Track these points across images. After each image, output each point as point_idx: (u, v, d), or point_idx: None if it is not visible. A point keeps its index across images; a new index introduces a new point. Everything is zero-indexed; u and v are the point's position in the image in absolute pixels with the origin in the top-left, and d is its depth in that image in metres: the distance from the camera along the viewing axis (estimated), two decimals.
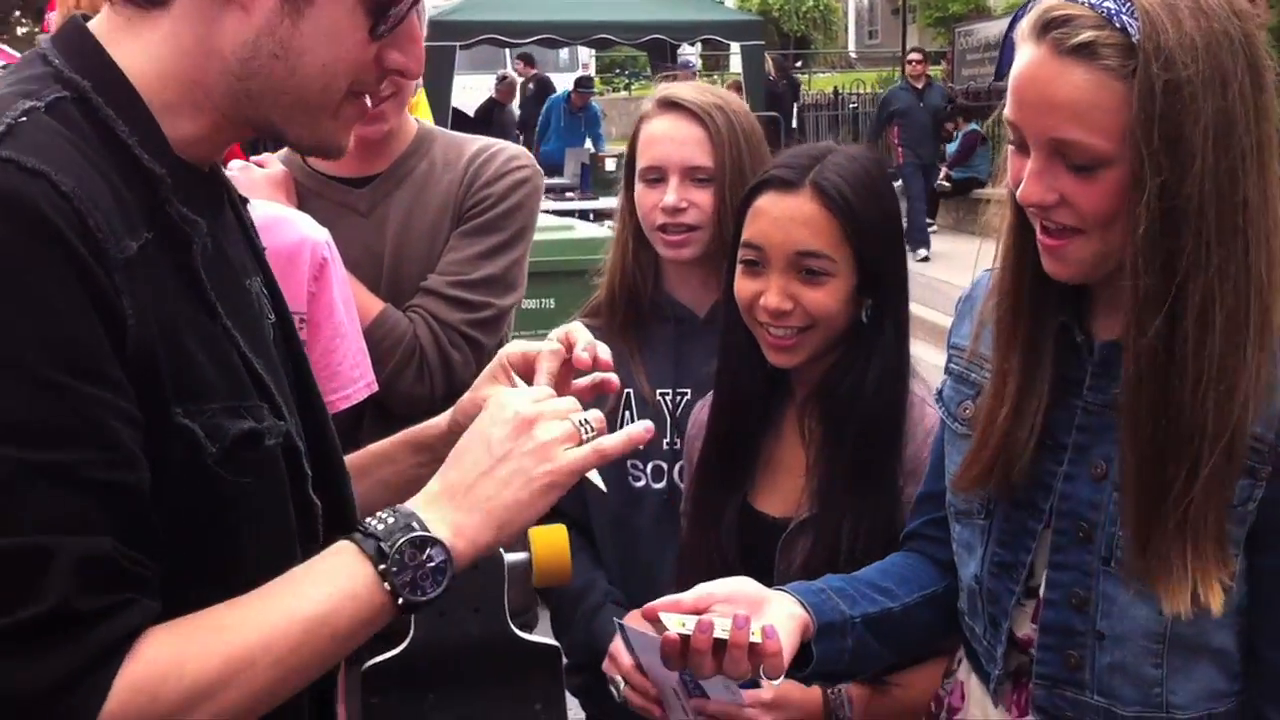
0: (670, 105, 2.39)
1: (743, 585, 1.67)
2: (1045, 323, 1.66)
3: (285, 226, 2.13)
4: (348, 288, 2.25)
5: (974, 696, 1.85)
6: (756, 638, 1.56)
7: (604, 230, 6.99)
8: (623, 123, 30.80)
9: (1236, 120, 1.46)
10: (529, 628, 2.48)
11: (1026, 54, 1.52)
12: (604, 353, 1.58)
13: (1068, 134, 1.49)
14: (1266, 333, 1.52)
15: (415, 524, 1.24)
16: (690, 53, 19.79)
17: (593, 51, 28.90)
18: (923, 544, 1.92)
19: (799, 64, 33.76)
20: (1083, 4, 1.49)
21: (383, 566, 1.22)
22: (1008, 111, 1.56)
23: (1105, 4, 1.48)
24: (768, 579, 1.85)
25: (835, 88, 24.24)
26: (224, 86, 1.25)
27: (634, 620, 1.80)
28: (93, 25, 1.27)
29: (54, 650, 1.05)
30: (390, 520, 1.25)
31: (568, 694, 2.14)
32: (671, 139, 2.37)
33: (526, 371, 1.58)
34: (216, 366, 1.22)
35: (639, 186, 2.40)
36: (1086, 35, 1.46)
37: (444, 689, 1.99)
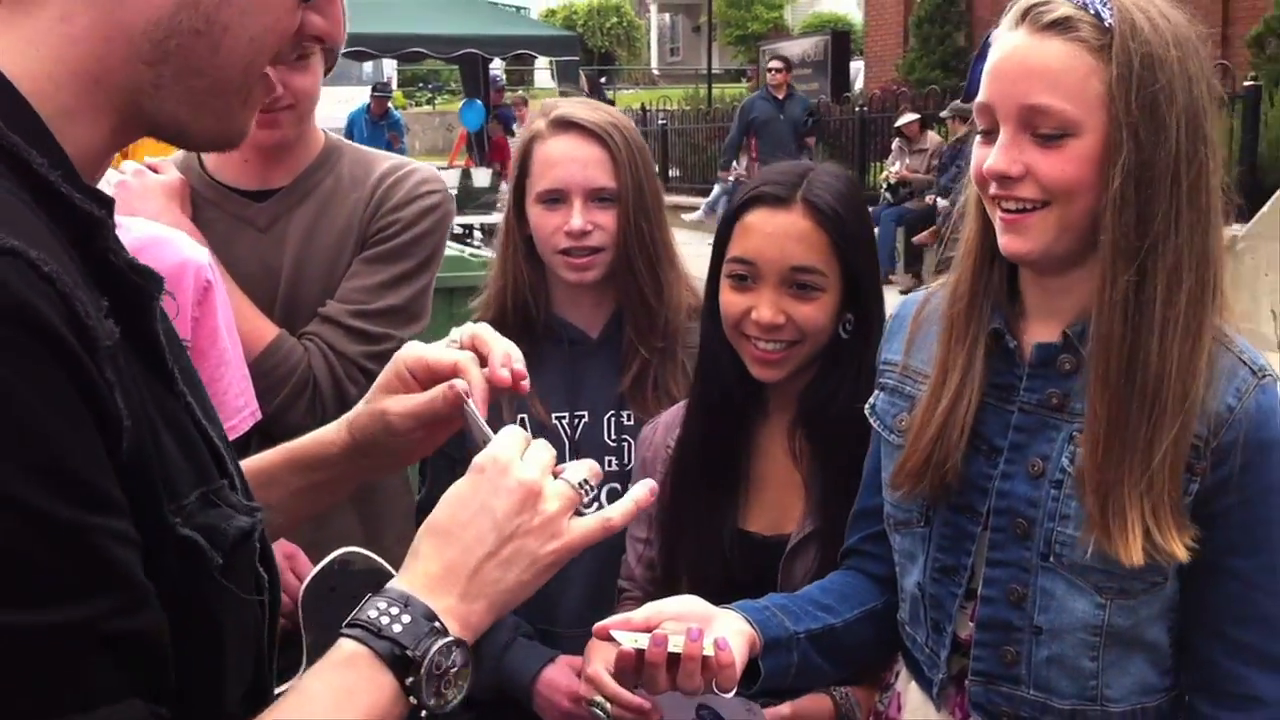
0: (567, 125, 2.32)
1: (691, 603, 1.68)
2: (981, 329, 1.72)
3: (165, 248, 1.96)
4: (230, 311, 2.10)
5: (913, 703, 1.89)
6: (709, 651, 1.57)
7: (455, 248, 6.80)
8: (426, 136, 30.59)
9: (1203, 116, 1.57)
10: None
11: (1003, 41, 1.62)
12: (520, 362, 1.45)
13: (1041, 99, 1.57)
14: (1215, 311, 1.61)
15: (438, 624, 1.10)
16: (497, 67, 19.71)
17: (395, 65, 28.56)
18: (860, 560, 1.95)
19: (604, 80, 34.01)
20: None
21: (410, 680, 1.07)
22: (980, 97, 1.64)
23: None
24: None
25: (643, 104, 24.49)
26: (129, 78, 1.01)
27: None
28: None
29: None
30: (406, 620, 1.09)
31: None
32: (573, 160, 2.30)
33: (428, 379, 1.41)
34: (181, 447, 1.02)
35: (537, 209, 2.32)
36: (1065, 10, 1.57)
37: None
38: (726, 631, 1.65)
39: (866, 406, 1.91)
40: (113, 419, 0.91)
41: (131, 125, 1.05)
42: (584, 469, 1.26)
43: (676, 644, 1.57)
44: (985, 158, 1.62)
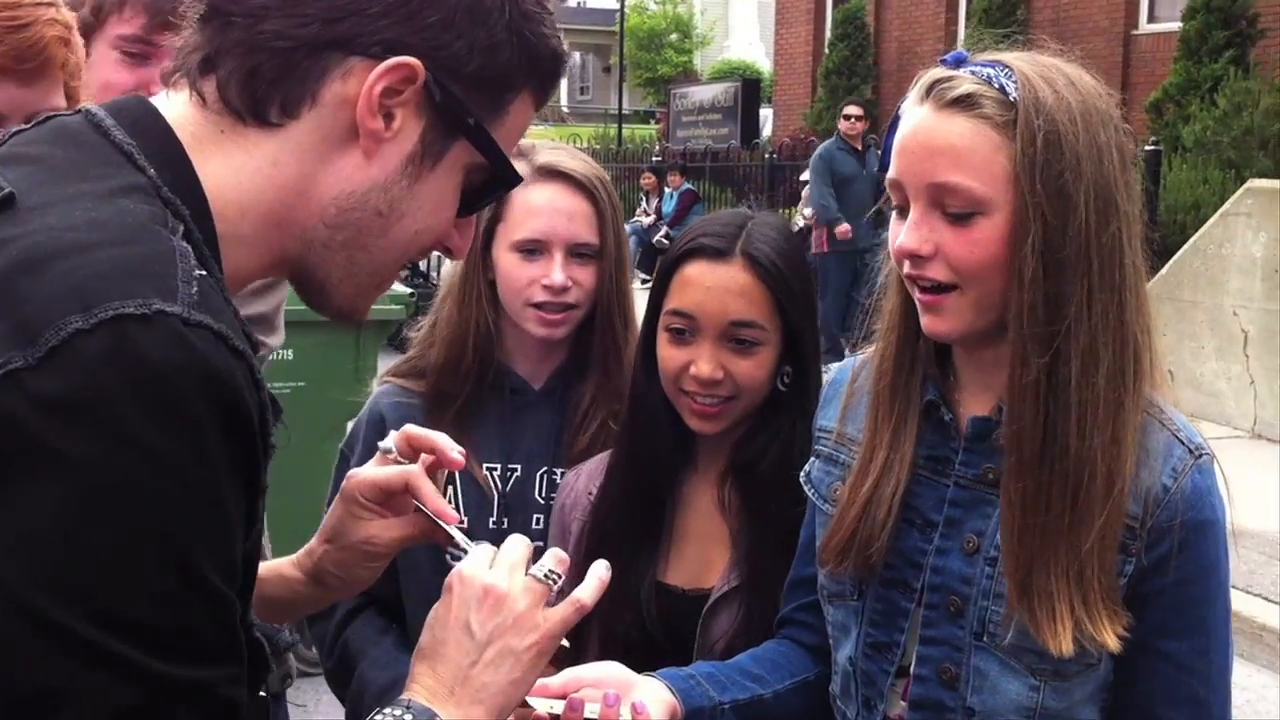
0: (554, 174, 2.18)
1: (611, 669, 1.67)
2: (913, 402, 1.70)
3: None
4: None
5: None
6: (626, 716, 1.58)
7: None
8: None
9: (1114, 189, 1.55)
10: (284, 683, 2.35)
11: (909, 116, 1.60)
12: (455, 450, 1.50)
13: (947, 177, 1.54)
14: (1139, 395, 1.58)
15: None
16: None
17: None
18: (795, 630, 1.91)
19: None
20: (964, 73, 1.58)
21: None
22: (891, 173, 1.62)
23: (985, 70, 1.57)
24: (685, 655, 1.87)
25: (553, 140, 24.45)
26: (306, 231, 1.13)
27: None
28: (174, 122, 1.10)
29: None
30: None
31: None
32: (558, 211, 2.17)
33: (383, 499, 1.47)
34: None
35: (510, 257, 2.19)
36: (969, 88, 1.55)
37: None
38: (646, 698, 1.64)
39: (802, 474, 1.87)
40: (255, 514, 1.02)
41: (284, 267, 1.17)
42: (551, 560, 1.34)
43: (593, 710, 1.56)
44: (899, 234, 1.60)
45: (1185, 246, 9.72)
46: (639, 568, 2.04)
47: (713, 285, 1.96)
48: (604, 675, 1.64)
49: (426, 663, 1.26)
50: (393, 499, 1.47)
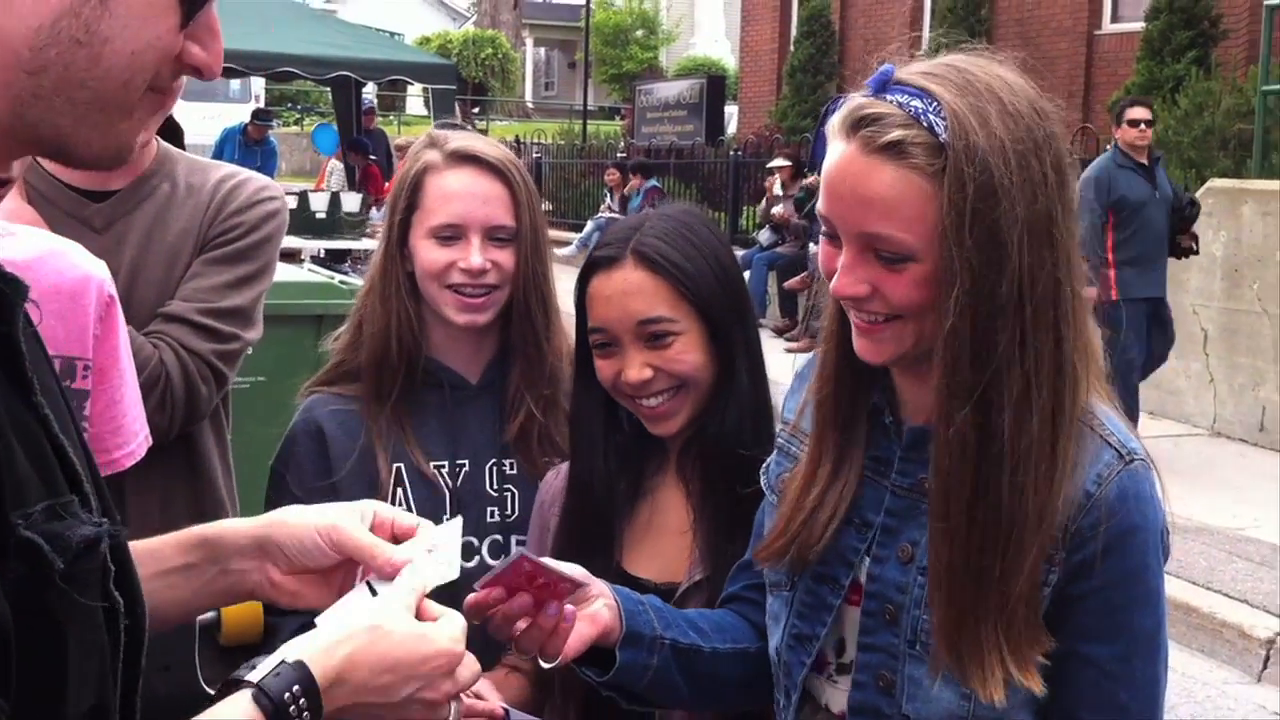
0: (466, 159, 2.21)
1: (575, 570, 1.71)
2: (859, 406, 1.69)
3: (63, 260, 1.85)
4: (125, 328, 2.00)
5: None
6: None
7: (324, 274, 6.56)
8: (294, 159, 30.08)
9: (1050, 220, 1.50)
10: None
11: (838, 150, 1.55)
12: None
13: (878, 229, 1.51)
14: (1075, 421, 1.55)
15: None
16: (369, 92, 19.45)
17: (264, 83, 28.03)
18: (742, 606, 1.91)
19: (477, 110, 33.88)
20: (890, 102, 1.52)
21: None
22: (820, 205, 1.60)
23: (913, 104, 1.51)
24: None
25: (517, 136, 24.43)
26: (11, 88, 1.01)
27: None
28: None
29: None
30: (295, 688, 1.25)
31: None
32: (473, 195, 2.19)
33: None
34: (32, 458, 1.03)
35: (426, 244, 2.19)
36: (895, 134, 1.49)
37: None
38: (594, 605, 1.70)
39: (763, 467, 1.87)
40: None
41: (12, 140, 1.04)
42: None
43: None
44: (832, 261, 1.58)
45: None
46: (603, 561, 2.03)
47: (611, 293, 1.98)
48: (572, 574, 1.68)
49: (352, 657, 1.31)
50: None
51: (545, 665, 1.66)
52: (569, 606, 1.64)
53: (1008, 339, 1.48)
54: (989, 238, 1.46)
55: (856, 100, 1.56)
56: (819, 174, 1.61)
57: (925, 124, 1.49)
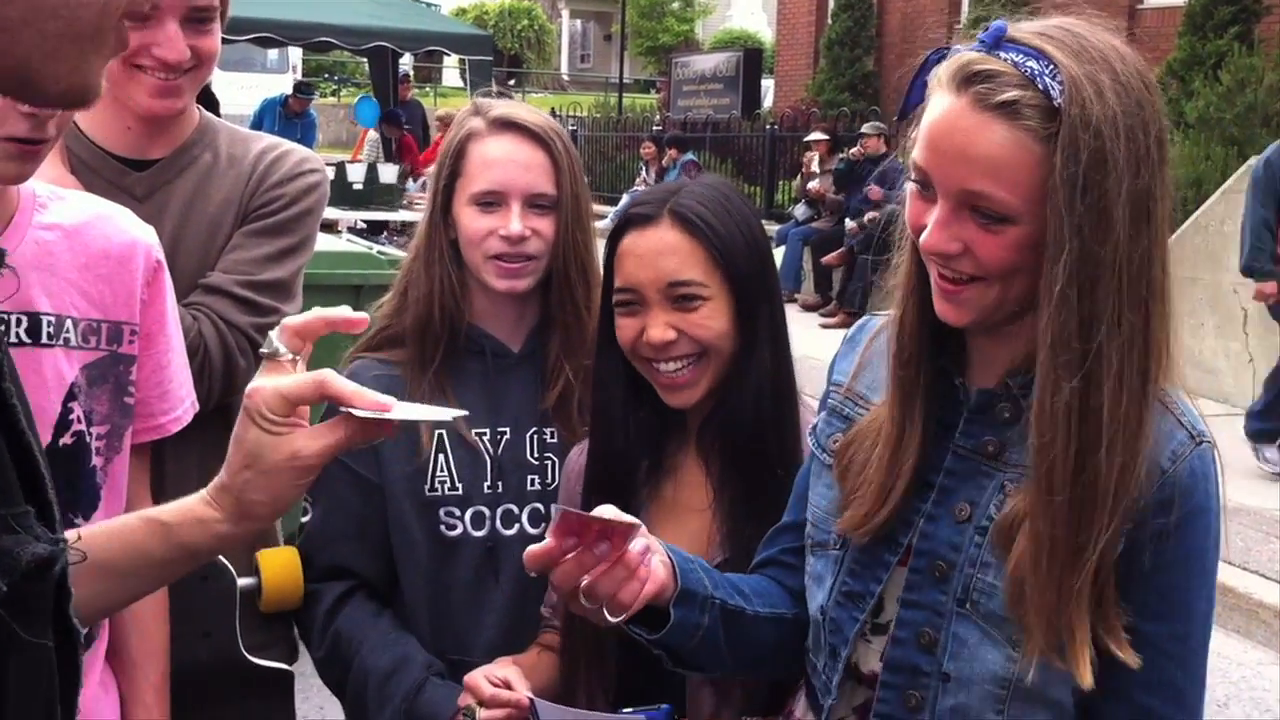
0: (508, 125, 2.22)
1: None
2: (933, 368, 1.67)
3: (111, 224, 1.83)
4: (173, 294, 1.99)
5: None
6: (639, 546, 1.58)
7: (362, 244, 6.58)
8: (330, 129, 30.11)
9: (1149, 196, 1.48)
10: (289, 660, 2.37)
11: (944, 103, 1.52)
12: (336, 314, 1.40)
13: (981, 187, 1.49)
14: (1155, 399, 1.54)
15: None
16: (406, 63, 19.44)
17: (301, 54, 28.05)
18: (777, 570, 1.89)
19: (512, 82, 33.83)
20: (1005, 60, 1.49)
21: None
22: (918, 156, 1.56)
23: (1028, 64, 1.48)
24: None
25: (553, 108, 24.40)
26: None
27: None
28: None
29: None
30: None
31: None
32: (514, 162, 2.19)
33: (289, 412, 1.33)
34: None
35: (469, 211, 2.21)
36: (1010, 94, 1.47)
37: (177, 712, 1.93)
38: (652, 561, 1.64)
39: (809, 428, 1.86)
40: None
41: None
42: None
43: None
44: (921, 214, 1.55)
45: (1186, 223, 9.69)
46: None
47: (644, 251, 1.97)
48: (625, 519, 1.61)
49: None
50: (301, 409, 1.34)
51: (610, 619, 1.59)
52: (644, 551, 1.59)
53: (1109, 311, 1.47)
54: (1098, 207, 1.45)
55: (968, 54, 1.52)
56: (911, 122, 1.59)
57: (1041, 86, 1.46)
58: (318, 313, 1.38)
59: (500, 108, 2.25)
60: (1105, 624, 1.52)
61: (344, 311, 1.38)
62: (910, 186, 1.59)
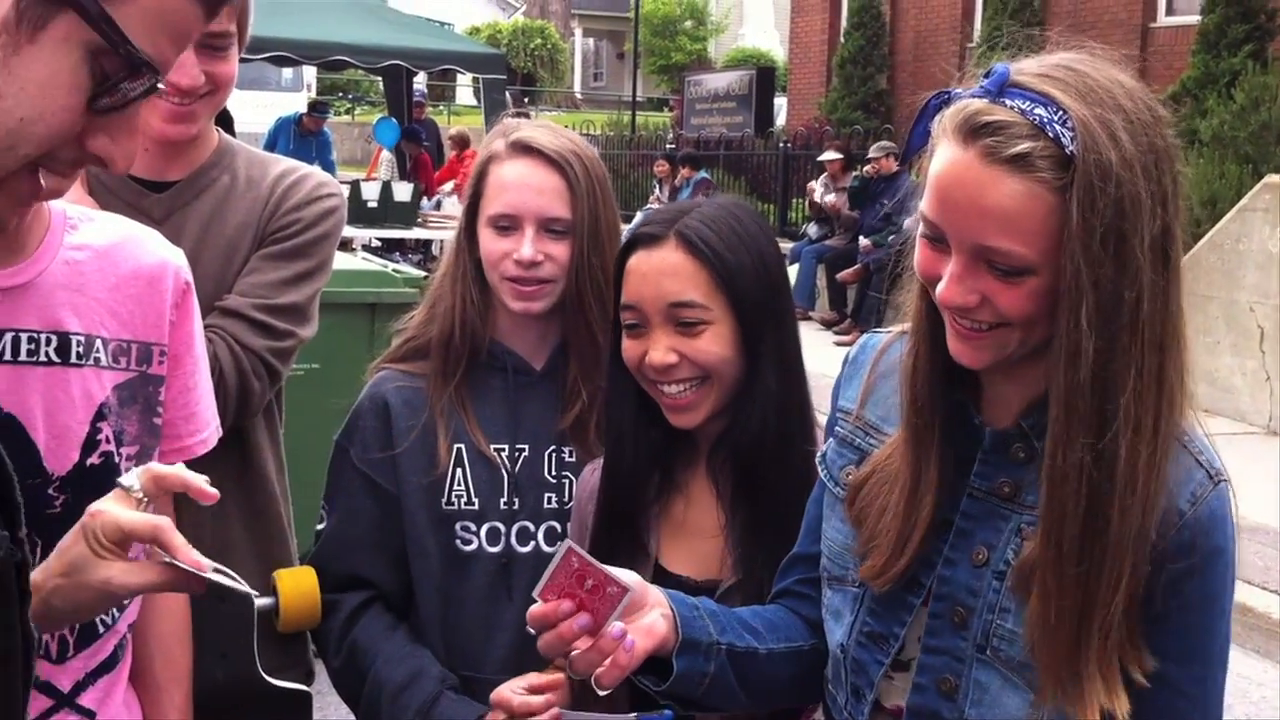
0: (525, 150, 2.22)
1: (635, 577, 1.67)
2: (948, 406, 1.64)
3: (141, 246, 1.84)
4: (199, 317, 1.99)
5: None
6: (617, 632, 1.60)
7: (378, 263, 6.58)
8: (345, 147, 30.22)
9: (1167, 235, 1.45)
10: (306, 682, 2.37)
11: (952, 155, 1.47)
12: (199, 479, 1.49)
13: (996, 242, 1.45)
14: (1172, 442, 1.51)
15: None
16: (420, 81, 19.51)
17: (316, 72, 28.17)
18: (794, 601, 1.88)
19: (526, 100, 33.92)
20: (1012, 109, 1.45)
21: None
22: (927, 208, 1.52)
23: (1036, 111, 1.43)
24: None
25: (566, 127, 24.43)
26: None
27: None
28: None
29: None
30: None
31: None
32: (528, 186, 2.20)
33: (123, 543, 1.41)
34: None
35: (487, 232, 2.23)
36: (1023, 146, 1.42)
37: None
38: (651, 615, 1.66)
39: (818, 455, 1.83)
40: None
41: None
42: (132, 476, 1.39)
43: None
44: (933, 264, 1.52)
45: (1201, 242, 9.66)
46: (638, 563, 2.02)
47: (648, 271, 1.97)
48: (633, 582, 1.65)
49: None
50: (163, 581, 1.42)
51: (600, 691, 1.62)
52: (629, 636, 1.61)
53: (1124, 358, 1.44)
54: (1118, 253, 1.41)
55: (973, 104, 1.47)
56: (910, 167, 1.60)
57: (1051, 135, 1.42)
58: (179, 471, 1.47)
59: (523, 130, 2.25)
60: (1109, 677, 1.50)
61: (202, 482, 1.47)
62: (918, 233, 1.56)
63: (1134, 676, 1.50)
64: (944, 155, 1.48)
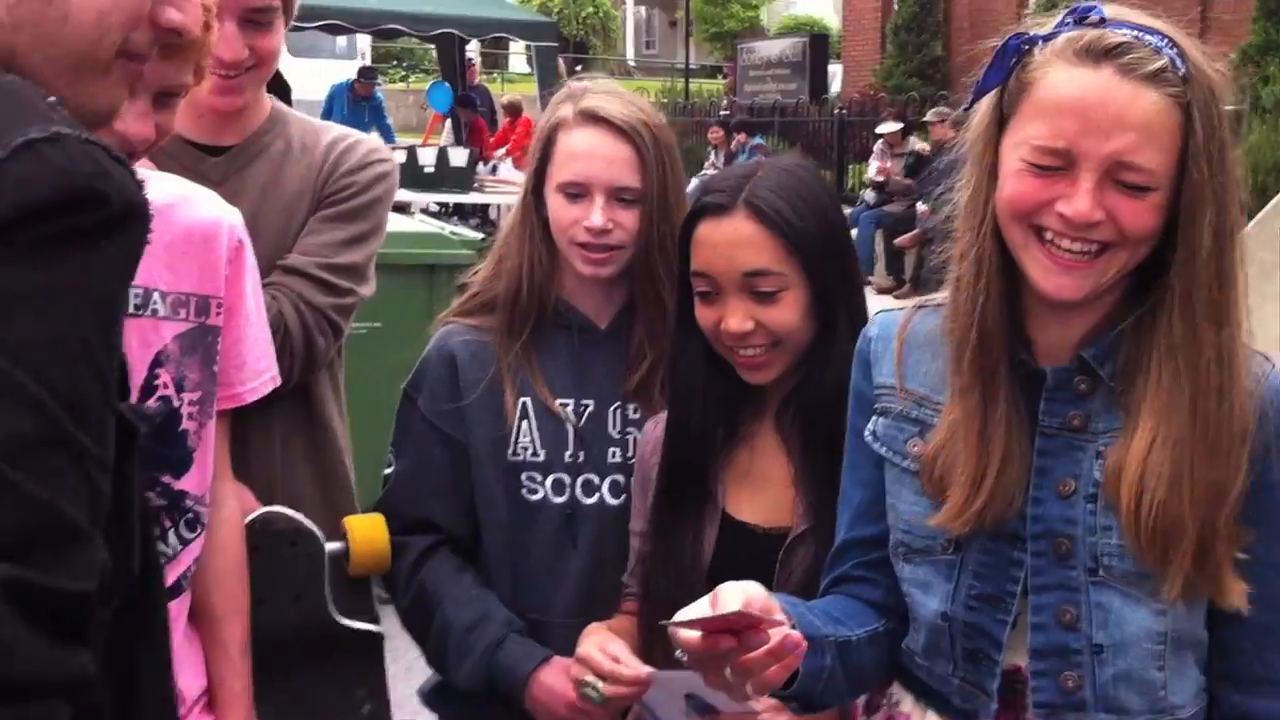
0: (595, 119, 2.21)
1: (755, 589, 1.58)
2: (1006, 352, 1.67)
3: (195, 204, 1.94)
4: (257, 273, 2.07)
5: None
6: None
7: (435, 225, 6.63)
8: (400, 114, 30.31)
9: (1234, 161, 1.58)
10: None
11: (1083, 75, 1.53)
12: None
13: (1136, 155, 1.51)
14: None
15: None
16: (473, 49, 19.55)
17: (370, 40, 28.28)
18: (855, 586, 1.84)
19: (579, 69, 33.91)
20: (1127, 34, 1.53)
21: None
22: (1046, 133, 1.54)
23: (1148, 38, 1.53)
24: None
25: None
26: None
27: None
28: None
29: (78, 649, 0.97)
30: None
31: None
32: (598, 156, 2.20)
33: None
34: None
35: (557, 198, 2.23)
36: (1158, 63, 1.51)
37: (267, 674, 2.00)
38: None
39: (867, 432, 1.81)
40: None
41: None
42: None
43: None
44: (1034, 192, 1.55)
45: (1267, 208, 9.52)
46: (709, 508, 2.07)
47: (719, 242, 1.98)
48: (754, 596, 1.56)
49: None
50: None
51: (750, 697, 1.59)
52: (795, 633, 1.54)
53: (1230, 257, 1.56)
54: (1226, 167, 1.54)
55: (1089, 31, 1.55)
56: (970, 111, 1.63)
57: (1167, 57, 1.51)
58: None
59: (590, 98, 2.23)
60: (1230, 553, 1.58)
61: None
62: (1015, 166, 1.57)
63: (1236, 556, 1.58)
64: (1069, 77, 1.53)
